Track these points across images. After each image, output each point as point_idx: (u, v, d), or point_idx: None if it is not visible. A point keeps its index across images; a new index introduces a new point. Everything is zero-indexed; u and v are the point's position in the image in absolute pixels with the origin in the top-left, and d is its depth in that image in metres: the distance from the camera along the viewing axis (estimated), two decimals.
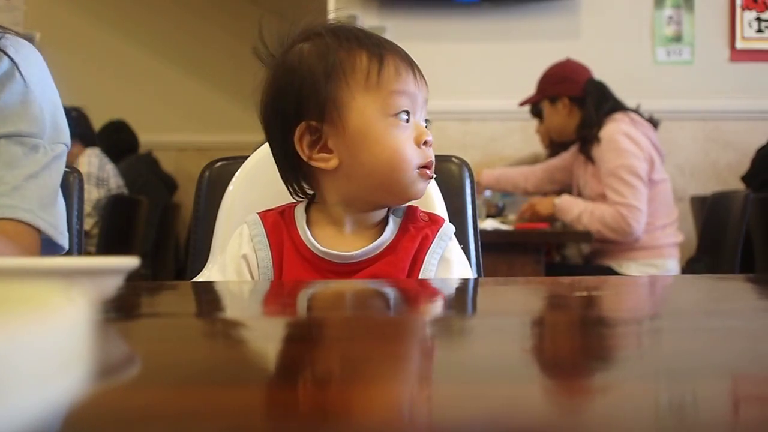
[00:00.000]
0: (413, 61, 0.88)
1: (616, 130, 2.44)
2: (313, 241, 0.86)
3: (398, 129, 0.84)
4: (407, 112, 0.85)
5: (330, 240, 0.87)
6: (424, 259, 0.87)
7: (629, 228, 2.37)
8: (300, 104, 0.85)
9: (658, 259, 2.45)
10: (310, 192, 0.92)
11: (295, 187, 0.91)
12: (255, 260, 0.87)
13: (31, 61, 0.98)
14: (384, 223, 0.89)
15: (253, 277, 0.87)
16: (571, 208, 2.50)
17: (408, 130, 0.85)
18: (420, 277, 0.86)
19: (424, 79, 0.88)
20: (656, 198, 2.46)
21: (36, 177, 0.92)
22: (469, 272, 0.94)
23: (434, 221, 0.90)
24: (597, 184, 2.52)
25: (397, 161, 0.84)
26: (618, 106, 2.53)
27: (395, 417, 0.26)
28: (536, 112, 2.96)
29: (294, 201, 0.93)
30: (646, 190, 2.40)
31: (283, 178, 0.91)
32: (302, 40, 0.88)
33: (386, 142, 0.83)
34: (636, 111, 2.55)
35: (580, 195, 2.64)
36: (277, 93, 0.88)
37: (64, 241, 0.96)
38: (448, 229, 0.90)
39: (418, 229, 0.88)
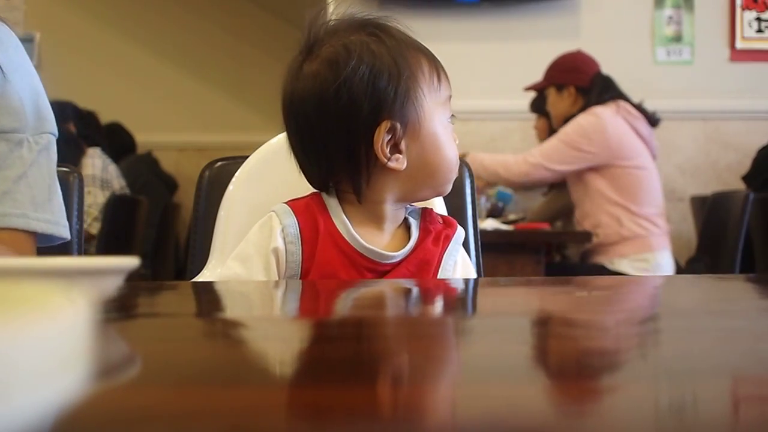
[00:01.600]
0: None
1: (592, 111, 2.53)
2: (357, 236, 0.85)
3: (451, 133, 0.89)
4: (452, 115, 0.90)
5: (368, 237, 0.86)
6: (442, 261, 0.89)
7: (521, 174, 2.57)
8: (380, 102, 0.83)
9: (647, 252, 2.46)
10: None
11: (324, 182, 0.89)
12: (284, 254, 0.84)
13: (6, 44, 0.91)
14: (405, 223, 0.91)
15: (279, 272, 0.85)
16: (476, 157, 2.66)
17: (451, 131, 0.90)
18: (438, 276, 0.88)
19: None
20: (637, 185, 2.50)
21: (25, 176, 0.87)
22: (472, 271, 0.96)
23: (449, 224, 0.93)
24: (574, 183, 2.62)
25: (453, 163, 0.88)
26: (619, 97, 2.57)
27: (395, 417, 0.26)
28: (535, 108, 2.98)
29: (311, 192, 0.90)
30: (572, 161, 2.51)
31: (309, 175, 0.89)
32: (353, 33, 0.86)
33: (449, 146, 0.88)
34: (636, 106, 2.57)
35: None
36: (349, 86, 0.83)
37: (65, 232, 0.92)
38: (462, 234, 0.93)
39: (437, 232, 0.90)
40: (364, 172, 0.85)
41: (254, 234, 0.87)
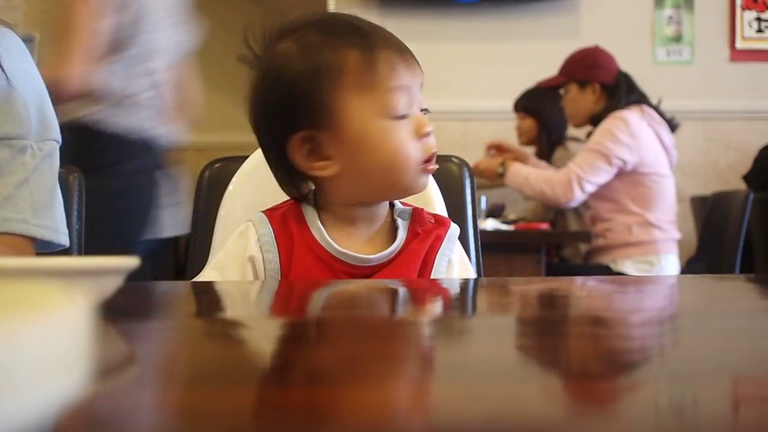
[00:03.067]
0: (404, 46, 0.83)
1: (619, 116, 2.45)
2: (331, 241, 0.84)
3: (397, 128, 0.81)
4: (405, 114, 0.82)
5: (344, 241, 0.85)
6: (434, 262, 0.86)
7: (568, 195, 2.43)
8: (291, 114, 0.81)
9: (653, 255, 2.45)
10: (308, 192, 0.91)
11: (294, 191, 0.88)
12: (262, 262, 0.85)
13: (13, 50, 0.90)
14: (392, 224, 0.88)
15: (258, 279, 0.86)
16: (520, 170, 2.55)
17: (407, 125, 0.82)
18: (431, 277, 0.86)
19: (417, 62, 0.84)
20: (654, 194, 2.47)
21: (27, 182, 0.87)
22: (471, 271, 0.93)
23: (441, 223, 0.89)
24: None
25: (400, 162, 0.81)
26: (643, 100, 2.53)
27: (395, 417, 0.26)
28: (522, 107, 2.96)
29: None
30: (609, 169, 2.42)
31: (280, 185, 0.88)
32: (284, 37, 0.83)
33: (387, 144, 0.81)
34: (656, 108, 2.54)
35: None
36: (264, 103, 0.84)
37: (64, 239, 0.93)
38: (455, 230, 0.90)
39: (426, 232, 0.87)
40: (297, 179, 0.86)
41: (231, 243, 0.87)
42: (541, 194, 2.47)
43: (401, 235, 0.86)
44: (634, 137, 2.41)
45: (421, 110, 0.84)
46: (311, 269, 0.84)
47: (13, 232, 0.86)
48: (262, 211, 0.88)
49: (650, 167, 2.44)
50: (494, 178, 2.64)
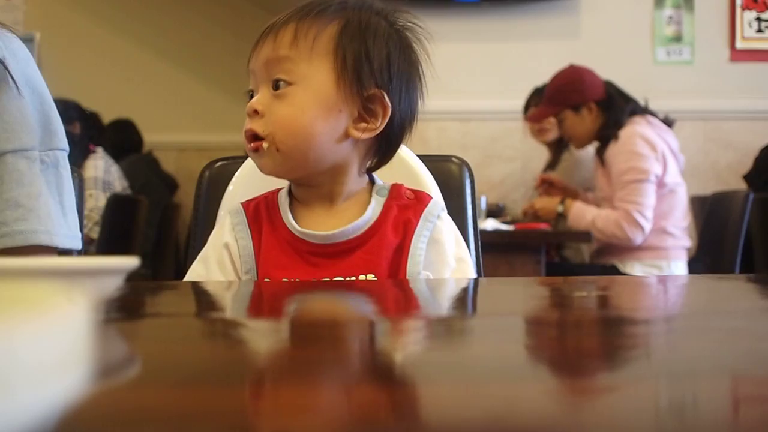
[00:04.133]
0: (274, 24, 0.84)
1: (632, 132, 2.42)
2: (292, 221, 0.85)
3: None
4: (250, 91, 0.85)
5: (310, 222, 0.86)
6: (410, 245, 0.84)
7: (639, 230, 2.38)
8: None
9: (662, 260, 2.45)
10: None
11: None
12: (237, 249, 0.87)
13: (20, 57, 0.90)
14: (367, 203, 0.87)
15: (235, 267, 0.87)
16: (584, 214, 2.49)
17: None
18: (409, 263, 0.84)
19: (277, 35, 0.83)
20: (667, 201, 2.45)
21: (44, 193, 0.88)
22: (466, 254, 0.91)
23: (419, 200, 0.88)
24: (606, 185, 2.52)
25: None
26: (638, 108, 2.53)
27: (395, 417, 0.26)
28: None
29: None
30: (655, 193, 2.40)
31: None
32: None
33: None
34: (653, 113, 2.54)
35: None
36: None
37: (79, 243, 0.94)
38: (434, 207, 0.87)
39: (401, 209, 0.86)
40: None
41: (211, 235, 0.91)
42: (614, 237, 2.42)
43: (369, 212, 0.85)
44: (655, 148, 2.40)
45: (274, 82, 0.83)
46: (277, 254, 0.85)
47: (40, 243, 0.87)
48: (241, 202, 0.91)
49: (667, 176, 2.43)
50: (552, 217, 2.59)
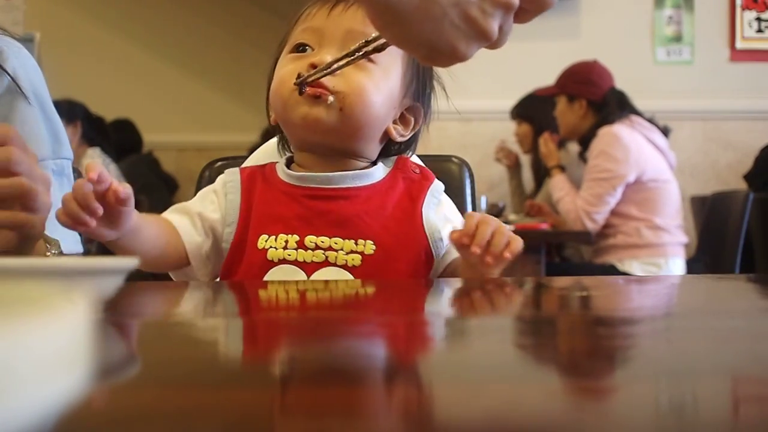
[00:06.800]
0: None
1: (609, 131, 2.48)
2: (287, 169, 0.87)
3: (288, 60, 0.86)
4: (304, 45, 0.85)
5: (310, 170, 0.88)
6: (422, 214, 0.85)
7: (584, 227, 2.49)
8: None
9: (660, 257, 2.46)
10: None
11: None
12: (224, 198, 0.86)
13: (28, 67, 0.91)
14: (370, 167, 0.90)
15: (220, 209, 0.86)
16: (560, 187, 2.61)
17: (302, 60, 0.84)
18: (426, 227, 0.85)
19: (360, 14, 0.81)
20: (658, 198, 2.47)
21: (55, 205, 0.86)
22: None
23: (425, 177, 0.90)
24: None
25: (276, 86, 0.86)
26: (635, 115, 2.56)
27: (395, 417, 0.26)
28: (517, 114, 2.99)
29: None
30: (615, 192, 2.45)
31: None
32: None
33: (275, 74, 0.87)
34: (649, 120, 2.56)
35: None
36: None
37: (80, 247, 0.94)
38: (439, 186, 0.90)
39: (407, 179, 0.88)
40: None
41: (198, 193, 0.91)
42: (570, 223, 2.54)
43: (376, 169, 0.88)
44: (629, 150, 2.44)
45: (345, 57, 0.79)
46: (272, 206, 0.85)
47: (69, 252, 0.87)
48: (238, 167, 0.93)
49: (651, 174, 2.46)
50: (556, 164, 2.72)
